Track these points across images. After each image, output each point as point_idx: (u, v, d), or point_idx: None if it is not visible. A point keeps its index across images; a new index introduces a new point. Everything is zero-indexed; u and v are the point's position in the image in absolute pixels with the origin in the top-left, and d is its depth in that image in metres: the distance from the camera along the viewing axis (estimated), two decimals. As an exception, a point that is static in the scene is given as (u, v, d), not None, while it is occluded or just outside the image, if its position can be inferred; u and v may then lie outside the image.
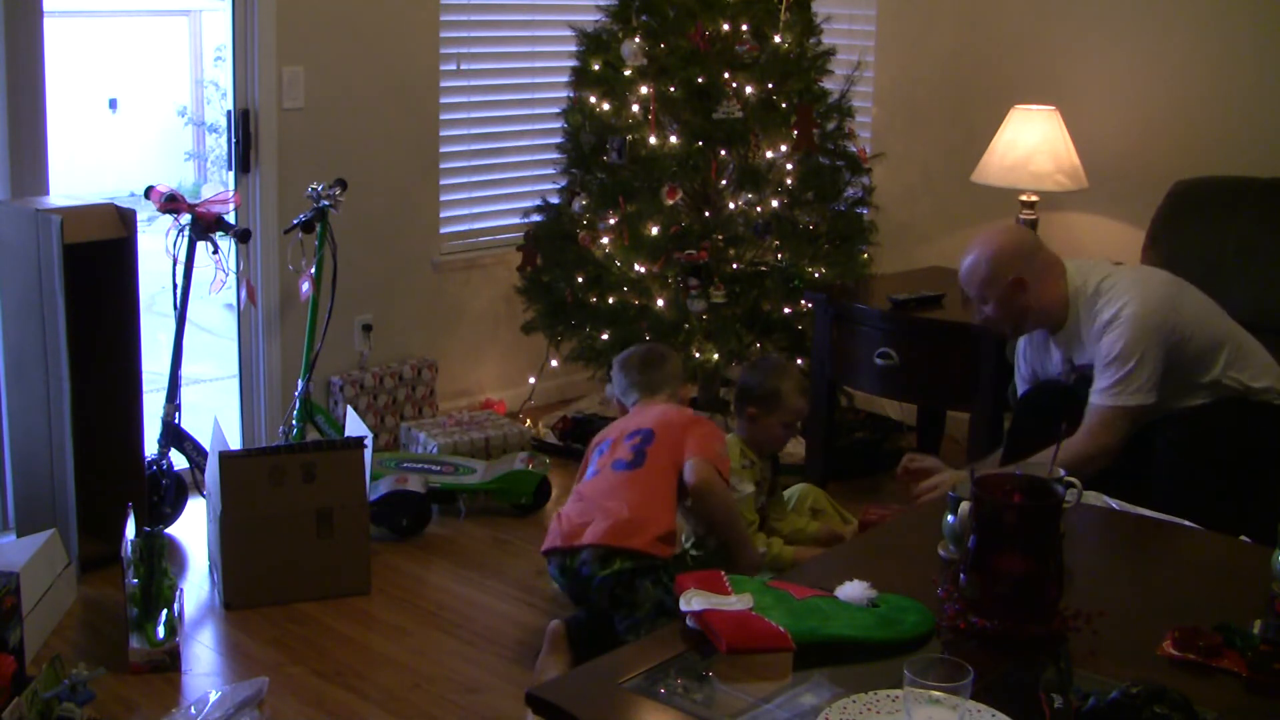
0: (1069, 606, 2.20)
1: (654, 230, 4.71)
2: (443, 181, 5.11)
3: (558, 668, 3.21)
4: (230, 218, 4.15)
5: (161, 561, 3.50)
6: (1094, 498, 2.95)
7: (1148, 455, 3.34)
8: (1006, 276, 3.41)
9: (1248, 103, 4.43)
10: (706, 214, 4.79)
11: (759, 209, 4.72)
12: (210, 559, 3.89)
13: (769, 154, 4.72)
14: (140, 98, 9.86)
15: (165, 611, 3.40)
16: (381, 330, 4.95)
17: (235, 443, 4.54)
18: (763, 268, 4.81)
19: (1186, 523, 2.91)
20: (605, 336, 4.85)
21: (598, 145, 4.83)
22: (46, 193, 4.00)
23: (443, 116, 5.05)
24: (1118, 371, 3.28)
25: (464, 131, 5.14)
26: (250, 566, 3.69)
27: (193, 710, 3.01)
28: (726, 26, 4.66)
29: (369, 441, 3.89)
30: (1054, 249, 4.75)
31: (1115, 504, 2.97)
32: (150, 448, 4.10)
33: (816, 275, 4.74)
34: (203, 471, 4.14)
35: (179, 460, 4.24)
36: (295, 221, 4.32)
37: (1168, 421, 3.32)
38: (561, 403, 5.49)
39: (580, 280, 4.86)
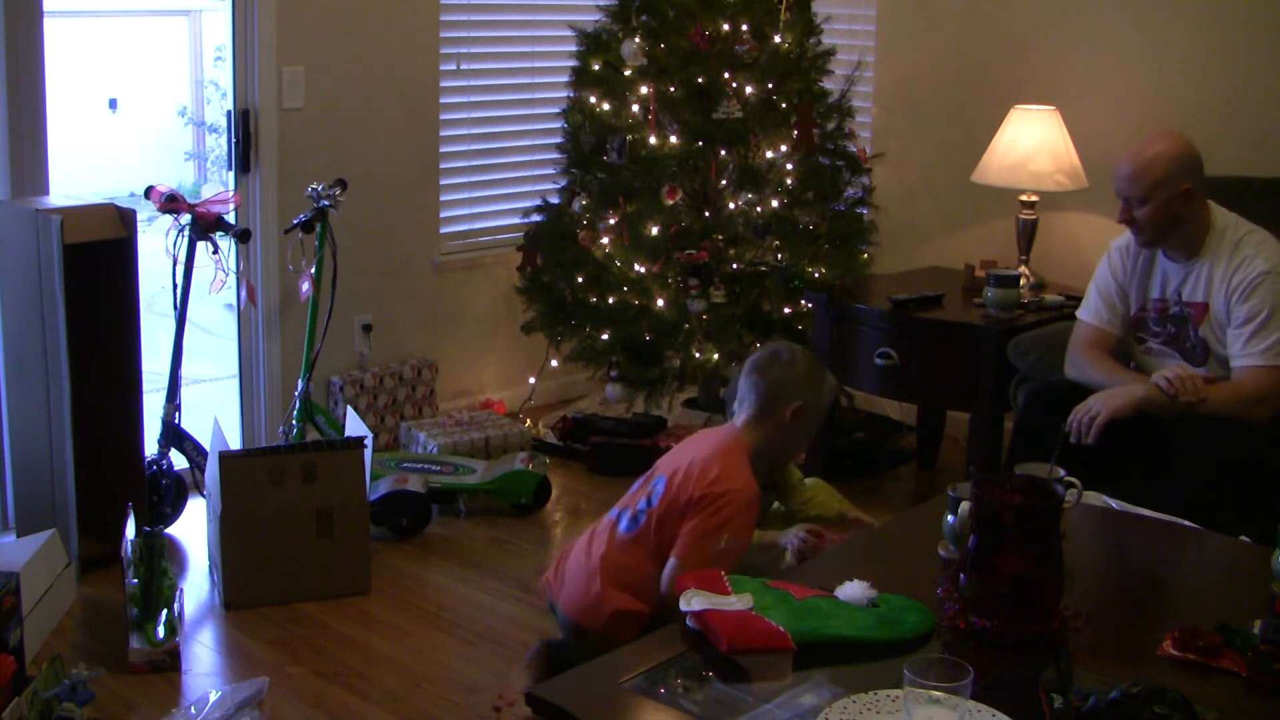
0: (1069, 606, 2.21)
1: (654, 230, 4.71)
2: (443, 181, 5.11)
3: (521, 682, 3.04)
4: (230, 218, 4.15)
5: (161, 561, 3.49)
6: (1094, 498, 2.95)
7: (1157, 458, 3.32)
8: (1179, 183, 3.36)
9: (1248, 103, 4.43)
10: (706, 214, 4.79)
11: (759, 209, 4.73)
12: (210, 559, 3.89)
13: (769, 154, 4.72)
14: (140, 98, 9.86)
15: (165, 611, 3.40)
16: (381, 330, 4.95)
17: (235, 443, 4.54)
18: (763, 268, 4.81)
19: (1186, 522, 2.91)
20: (605, 336, 4.85)
21: (598, 145, 4.83)
22: (46, 193, 4.00)
23: (443, 116, 5.05)
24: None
25: (464, 131, 5.14)
26: (250, 566, 3.69)
27: (193, 710, 3.01)
28: (726, 26, 4.66)
29: (369, 441, 3.89)
30: (1054, 249, 4.80)
31: (1115, 504, 2.98)
32: (150, 448, 4.10)
33: (816, 275, 4.74)
34: (203, 471, 4.14)
35: (179, 460, 4.24)
36: (295, 221, 4.32)
37: (1192, 428, 3.30)
38: (561, 403, 5.49)
39: (580, 280, 4.86)
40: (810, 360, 3.18)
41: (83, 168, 8.26)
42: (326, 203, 4.27)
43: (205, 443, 4.06)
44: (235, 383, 4.75)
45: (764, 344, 4.72)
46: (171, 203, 4.04)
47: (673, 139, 4.71)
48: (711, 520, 2.90)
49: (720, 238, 4.75)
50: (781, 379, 3.07)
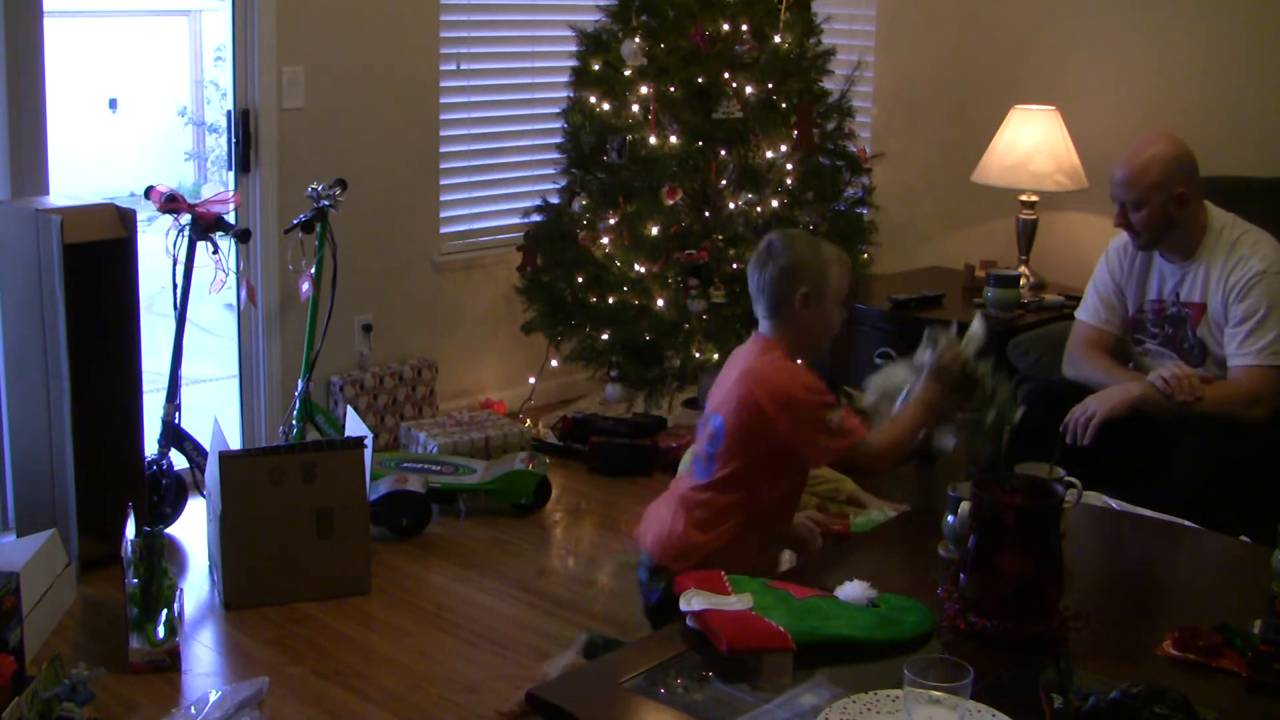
0: (1069, 606, 2.21)
1: (654, 230, 4.71)
2: (443, 181, 5.11)
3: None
4: (230, 218, 4.15)
5: (161, 561, 3.49)
6: (1094, 498, 2.95)
7: (1155, 458, 3.32)
8: (1174, 187, 3.36)
9: (1248, 103, 4.43)
10: (706, 214, 4.79)
11: (759, 209, 4.73)
12: (210, 559, 3.89)
13: (769, 154, 4.72)
14: (140, 98, 9.86)
15: (165, 611, 3.40)
16: (381, 330, 4.95)
17: (235, 443, 4.54)
18: (763, 268, 4.80)
19: (1185, 522, 2.91)
20: (605, 336, 4.85)
21: (598, 145, 4.83)
22: (46, 193, 4.00)
23: (443, 116, 5.05)
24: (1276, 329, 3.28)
25: (464, 131, 5.14)
26: (250, 566, 3.69)
27: (193, 710, 3.01)
28: (726, 26, 4.66)
29: (369, 441, 3.89)
30: (1054, 249, 4.80)
31: (1115, 504, 2.98)
32: (150, 448, 4.10)
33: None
34: (203, 471, 4.14)
35: (179, 460, 4.24)
36: (295, 221, 4.32)
37: (1191, 428, 3.30)
38: (561, 403, 5.49)
39: (580, 280, 4.86)
40: (803, 242, 2.99)
41: (83, 168, 8.26)
42: (326, 203, 4.27)
43: (205, 443, 4.06)
44: (235, 383, 4.75)
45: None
46: (171, 203, 4.04)
47: (673, 139, 4.71)
48: (800, 414, 2.84)
49: (720, 238, 4.75)
50: (778, 274, 2.92)
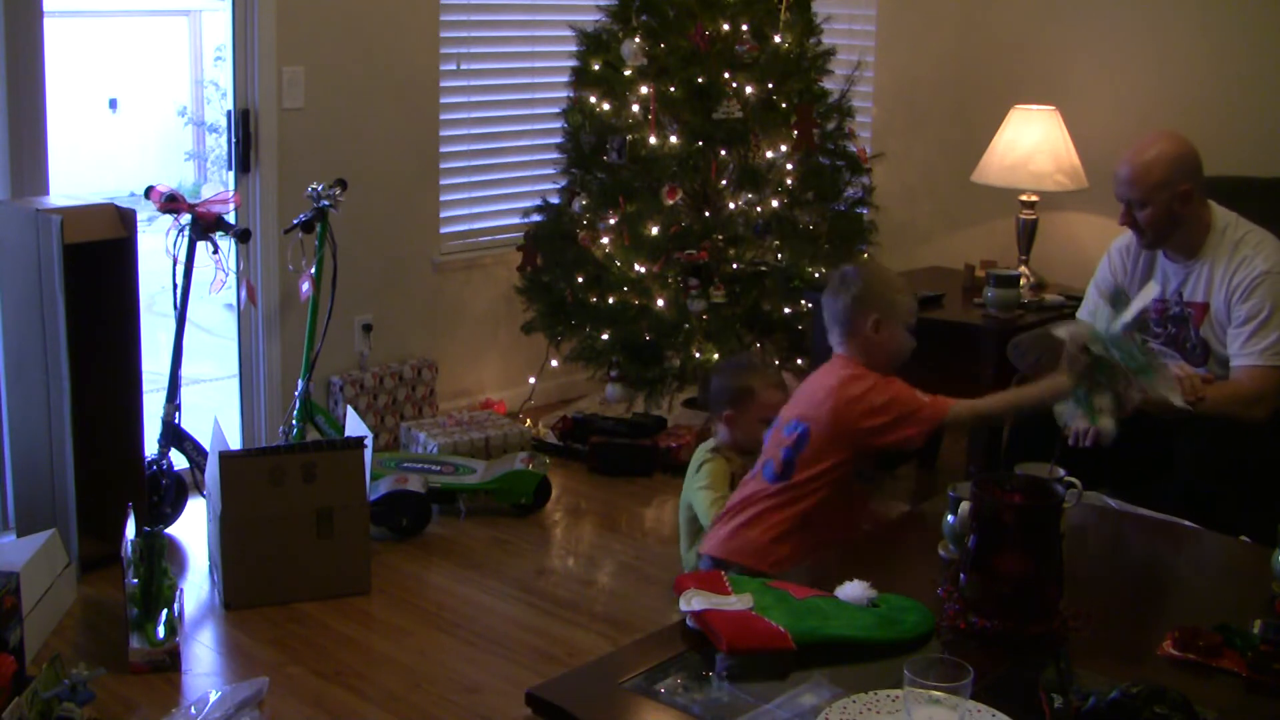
0: (1069, 606, 2.21)
1: (654, 230, 4.71)
2: (443, 181, 5.11)
3: None
4: (230, 218, 4.15)
5: (161, 561, 3.49)
6: (1094, 498, 2.94)
7: (1156, 457, 3.32)
8: (1179, 185, 3.36)
9: (1248, 103, 4.43)
10: (706, 214, 4.79)
11: (759, 209, 4.73)
12: (210, 559, 3.89)
13: (769, 154, 4.72)
14: (140, 98, 9.86)
15: (165, 611, 3.40)
16: (381, 330, 4.95)
17: (235, 443, 4.54)
18: (763, 268, 4.81)
19: (1186, 522, 2.91)
20: (605, 336, 4.85)
21: (598, 145, 4.83)
22: (46, 193, 4.00)
23: (443, 116, 5.05)
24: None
25: (464, 131, 5.14)
26: (250, 566, 3.69)
27: (193, 710, 3.01)
28: (726, 26, 4.66)
29: (369, 441, 3.89)
30: (1054, 249, 4.80)
31: (1115, 504, 2.97)
32: (150, 448, 4.10)
33: (816, 275, 4.74)
34: (203, 471, 4.14)
35: (179, 460, 4.24)
36: (295, 221, 4.32)
37: (1191, 428, 3.30)
38: (561, 403, 5.49)
39: (580, 280, 4.86)
40: (873, 272, 3.26)
41: (83, 168, 8.26)
42: (326, 203, 4.27)
43: (205, 443, 4.06)
44: (235, 383, 4.75)
45: (764, 344, 4.74)
46: (171, 203, 4.04)
47: (673, 139, 4.71)
48: (894, 413, 3.04)
49: (720, 238, 4.75)
50: (851, 302, 3.15)
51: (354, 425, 4.14)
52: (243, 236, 4.24)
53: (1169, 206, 3.37)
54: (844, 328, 3.16)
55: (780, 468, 3.11)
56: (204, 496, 4.05)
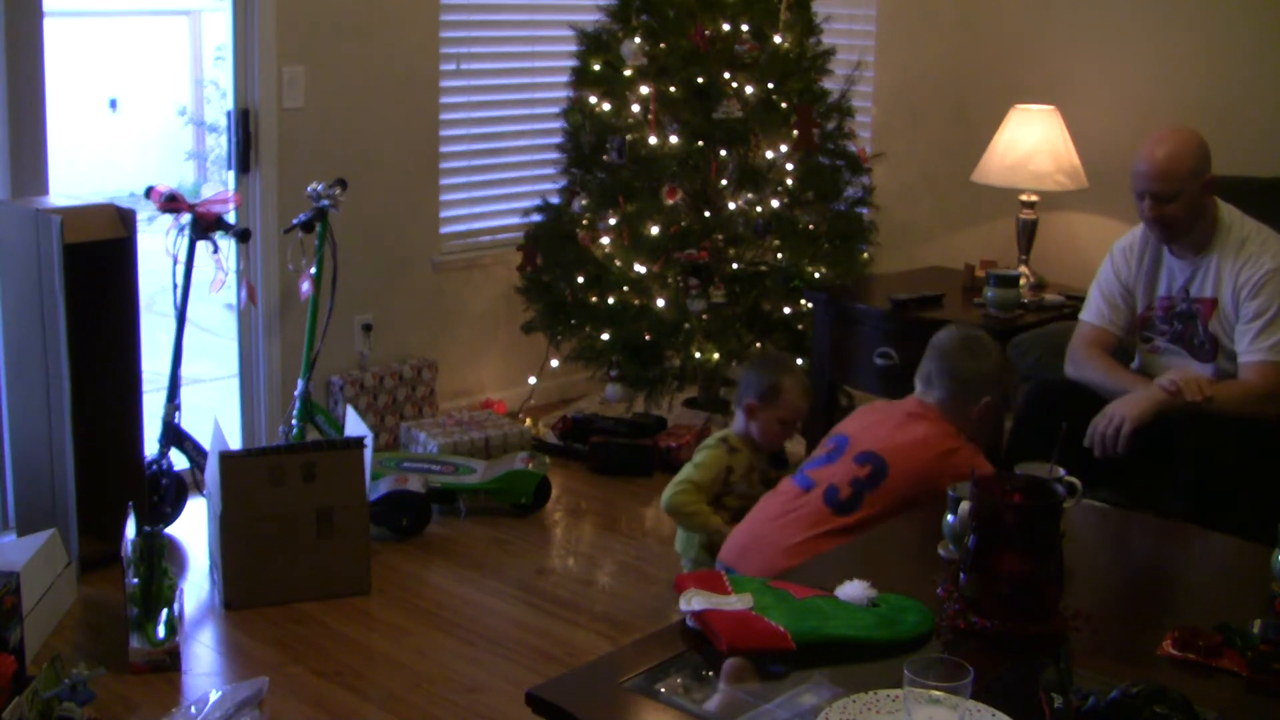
0: (1069, 606, 2.21)
1: (654, 230, 4.71)
2: (443, 181, 5.11)
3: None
4: (230, 217, 4.15)
5: (161, 561, 3.49)
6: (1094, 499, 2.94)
7: (1157, 457, 3.32)
8: (1205, 174, 3.37)
9: (1248, 103, 4.43)
10: (706, 214, 4.79)
11: (759, 209, 4.73)
12: (210, 559, 3.89)
13: (769, 154, 4.72)
14: (140, 98, 9.86)
15: (165, 611, 3.40)
16: (381, 330, 4.95)
17: (235, 443, 4.54)
18: (763, 268, 4.81)
19: (1186, 523, 2.91)
20: (605, 336, 4.85)
21: (598, 145, 4.83)
22: (46, 193, 4.00)
23: (443, 116, 5.04)
24: None
25: (464, 131, 5.14)
26: (250, 566, 3.69)
27: (193, 710, 3.01)
28: (726, 26, 4.66)
29: (369, 441, 3.89)
30: (1054, 249, 4.80)
31: (1099, 505, 2.97)
32: (150, 448, 4.10)
33: (816, 275, 4.74)
34: (203, 471, 4.14)
35: (179, 460, 4.24)
36: (295, 221, 4.32)
37: (1192, 428, 3.30)
38: (561, 402, 5.49)
39: (580, 280, 4.86)
40: (1002, 353, 3.30)
41: (83, 168, 8.26)
42: (326, 202, 4.27)
43: (205, 443, 4.06)
44: (235, 383, 4.75)
45: (764, 344, 4.73)
46: (171, 202, 4.04)
47: (673, 139, 4.71)
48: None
49: (720, 238, 4.75)
50: (980, 373, 3.17)
51: (354, 425, 4.14)
52: (243, 236, 4.24)
53: (1197, 198, 3.38)
54: (957, 393, 3.15)
55: (849, 496, 3.07)
56: (204, 496, 4.05)
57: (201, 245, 4.13)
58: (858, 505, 3.05)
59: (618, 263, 4.79)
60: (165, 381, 4.21)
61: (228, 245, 4.29)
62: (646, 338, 4.79)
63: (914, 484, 3.02)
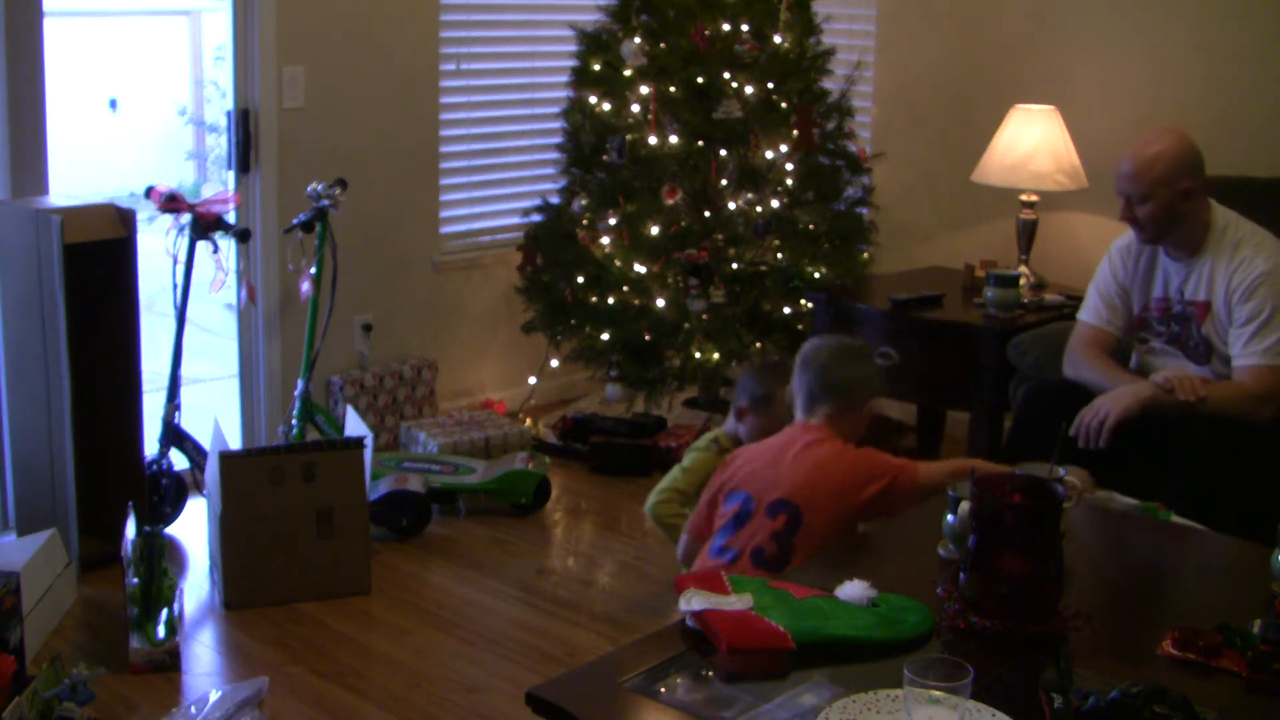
0: (1069, 606, 2.21)
1: (654, 230, 4.71)
2: (443, 181, 5.11)
3: None
4: (230, 217, 4.15)
5: (161, 561, 3.49)
6: (1106, 498, 2.94)
7: (1157, 457, 3.32)
8: (1180, 181, 3.36)
9: (1247, 103, 4.43)
10: (706, 214, 4.79)
11: (759, 209, 4.73)
12: (210, 559, 3.89)
13: (769, 154, 4.72)
14: (140, 98, 9.85)
15: (165, 611, 3.40)
16: (381, 330, 4.95)
17: (235, 443, 4.54)
18: (763, 268, 4.81)
19: (1187, 522, 2.91)
20: (605, 336, 4.85)
21: (598, 145, 4.83)
22: (46, 193, 4.00)
23: (443, 116, 5.04)
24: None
25: (464, 131, 5.14)
26: (250, 566, 3.69)
27: (193, 710, 3.01)
28: (726, 26, 4.66)
29: (369, 441, 3.89)
30: (1054, 249, 4.80)
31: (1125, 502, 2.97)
32: (150, 448, 4.10)
33: (816, 275, 4.75)
34: (203, 471, 4.14)
35: (179, 460, 4.24)
36: (295, 221, 4.32)
37: (1192, 428, 3.30)
38: (561, 402, 5.49)
39: (580, 280, 4.86)
40: (871, 355, 3.27)
41: (83, 168, 8.25)
42: (326, 202, 4.27)
43: (205, 443, 4.06)
44: (235, 383, 4.75)
45: (764, 344, 4.73)
46: (171, 202, 4.04)
47: (673, 139, 4.71)
48: (891, 493, 2.97)
49: (720, 238, 4.75)
50: (861, 377, 3.13)
51: (354, 425, 4.14)
52: (243, 236, 4.24)
53: (1170, 203, 3.38)
54: (844, 403, 3.08)
55: (776, 552, 2.93)
56: (204, 496, 4.05)
57: (201, 245, 4.13)
58: (789, 555, 2.93)
59: (618, 263, 4.79)
60: (165, 381, 4.21)
61: (228, 245, 4.29)
62: (646, 338, 4.79)
63: (835, 511, 2.94)
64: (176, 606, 3.46)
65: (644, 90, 4.72)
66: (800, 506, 2.94)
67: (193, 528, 4.18)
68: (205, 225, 4.08)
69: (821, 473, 2.97)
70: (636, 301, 4.80)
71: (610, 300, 4.83)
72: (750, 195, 4.73)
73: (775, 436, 3.17)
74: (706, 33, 4.63)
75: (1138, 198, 3.40)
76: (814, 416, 3.09)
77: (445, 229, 5.15)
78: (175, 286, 4.13)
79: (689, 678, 2.09)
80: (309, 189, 4.29)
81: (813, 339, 3.26)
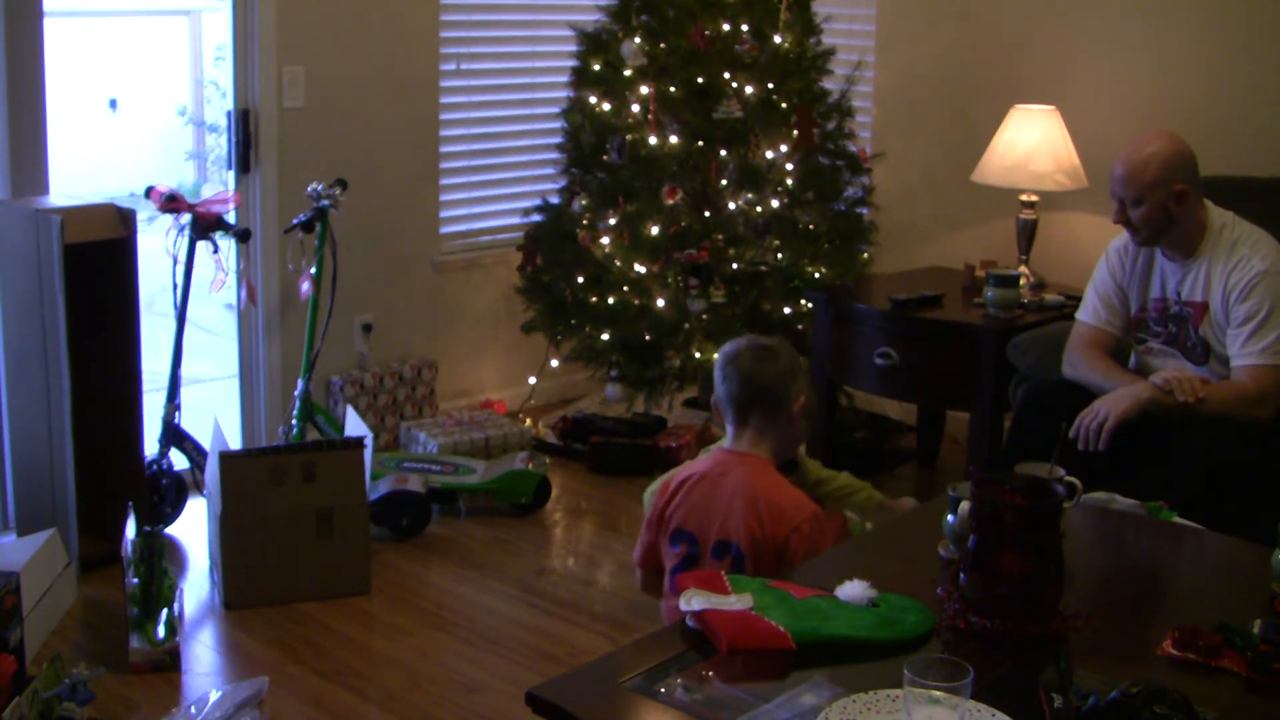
0: (1069, 606, 2.21)
1: (654, 230, 4.71)
2: (443, 181, 5.11)
3: None
4: (230, 217, 4.15)
5: (161, 561, 3.50)
6: (1106, 498, 2.94)
7: (1156, 457, 3.32)
8: (1173, 184, 3.36)
9: (1247, 103, 4.43)
10: (706, 214, 4.79)
11: (759, 209, 4.73)
12: (210, 559, 3.89)
13: (769, 154, 4.72)
14: (140, 98, 9.85)
15: (165, 611, 3.40)
16: (381, 330, 4.95)
17: (235, 443, 4.54)
18: (763, 268, 4.81)
19: (1188, 522, 2.91)
20: (605, 336, 4.85)
21: (598, 145, 4.83)
22: (46, 193, 4.00)
23: (443, 116, 5.05)
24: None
25: (464, 131, 5.14)
26: (250, 566, 3.69)
27: (193, 710, 3.01)
28: (726, 26, 4.66)
29: (369, 441, 3.89)
30: (1054, 249, 4.80)
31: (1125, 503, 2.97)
32: (150, 448, 4.10)
33: (816, 275, 4.75)
34: (203, 471, 4.14)
35: (179, 460, 4.24)
36: (295, 221, 4.32)
37: (1191, 428, 3.30)
38: (561, 402, 5.49)
39: (580, 280, 4.86)
40: (790, 349, 3.12)
41: (83, 168, 8.25)
42: (326, 202, 4.27)
43: (205, 443, 4.06)
44: (235, 383, 4.75)
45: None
46: (171, 202, 4.04)
47: (673, 139, 4.71)
48: (816, 533, 2.91)
49: (720, 238, 4.75)
50: (784, 373, 3.00)
51: (354, 425, 4.15)
52: (243, 236, 4.24)
53: (1163, 205, 3.38)
54: (773, 404, 2.97)
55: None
56: (204, 496, 4.05)
57: (201, 245, 4.13)
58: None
59: (618, 263, 4.79)
60: (165, 381, 4.21)
61: (228, 245, 4.29)
62: (646, 338, 4.79)
63: (773, 554, 2.86)
64: (176, 606, 3.46)
65: (644, 90, 4.72)
66: (742, 547, 2.89)
67: (193, 528, 4.18)
68: (205, 225, 4.08)
69: (752, 514, 2.89)
70: (636, 301, 4.80)
71: (610, 300, 4.83)
72: (750, 195, 4.73)
73: (706, 460, 3.08)
74: (706, 33, 4.63)
75: (1131, 201, 3.41)
76: (746, 431, 3.00)
77: (445, 229, 5.15)
78: (175, 286, 4.13)
79: (689, 678, 2.09)
80: (309, 189, 4.29)
81: (726, 345, 3.11)
